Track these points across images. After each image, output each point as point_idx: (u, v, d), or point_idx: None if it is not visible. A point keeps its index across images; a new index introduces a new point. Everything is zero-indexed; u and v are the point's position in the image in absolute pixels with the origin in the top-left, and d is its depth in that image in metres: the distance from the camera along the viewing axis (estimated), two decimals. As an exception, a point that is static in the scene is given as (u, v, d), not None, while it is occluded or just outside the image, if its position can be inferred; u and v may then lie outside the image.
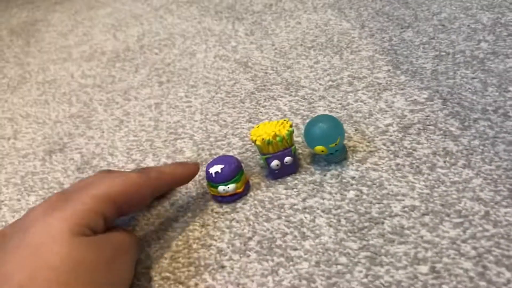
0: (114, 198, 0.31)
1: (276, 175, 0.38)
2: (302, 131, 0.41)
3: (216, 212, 0.37)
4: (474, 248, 0.29)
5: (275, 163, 0.37)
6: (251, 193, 0.37)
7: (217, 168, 0.36)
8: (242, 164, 0.39)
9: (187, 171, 0.37)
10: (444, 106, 0.40)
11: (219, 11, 0.72)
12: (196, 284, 0.32)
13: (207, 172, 0.37)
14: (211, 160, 0.39)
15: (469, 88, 0.41)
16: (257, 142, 0.36)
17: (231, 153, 0.42)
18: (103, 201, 0.30)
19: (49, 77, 0.67)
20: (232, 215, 0.36)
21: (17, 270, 0.26)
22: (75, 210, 0.29)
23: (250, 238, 0.34)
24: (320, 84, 0.48)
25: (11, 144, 0.54)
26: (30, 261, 0.26)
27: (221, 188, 0.36)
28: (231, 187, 0.36)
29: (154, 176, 0.34)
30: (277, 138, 0.35)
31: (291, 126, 0.36)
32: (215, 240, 0.34)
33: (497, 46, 0.45)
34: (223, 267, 0.32)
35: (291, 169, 0.38)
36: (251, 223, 0.35)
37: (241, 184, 0.37)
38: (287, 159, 0.37)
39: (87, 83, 0.62)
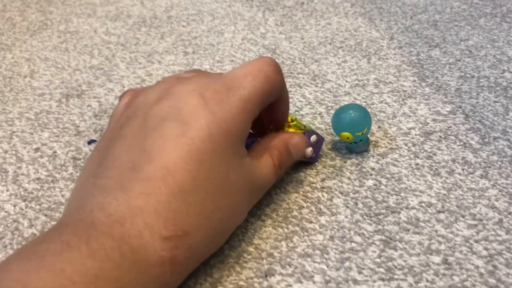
0: (260, 100, 0.28)
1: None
2: (327, 119, 0.42)
3: (234, 177, 0.37)
4: (486, 249, 0.30)
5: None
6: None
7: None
8: None
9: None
10: (466, 121, 0.41)
11: (250, -1, 0.73)
12: (208, 238, 0.32)
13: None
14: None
15: (491, 110, 0.43)
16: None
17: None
18: (254, 104, 0.27)
19: (72, 28, 0.67)
20: (249, 182, 0.37)
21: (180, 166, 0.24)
22: (233, 117, 0.26)
23: (266, 205, 0.34)
24: (347, 81, 0.49)
25: (27, 82, 0.53)
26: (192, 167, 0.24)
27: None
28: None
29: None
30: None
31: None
32: (231, 202, 0.35)
33: (520, 78, 0.47)
34: (237, 227, 0.33)
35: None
36: (269, 191, 0.35)
37: None
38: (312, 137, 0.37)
39: (110, 40, 0.62)
